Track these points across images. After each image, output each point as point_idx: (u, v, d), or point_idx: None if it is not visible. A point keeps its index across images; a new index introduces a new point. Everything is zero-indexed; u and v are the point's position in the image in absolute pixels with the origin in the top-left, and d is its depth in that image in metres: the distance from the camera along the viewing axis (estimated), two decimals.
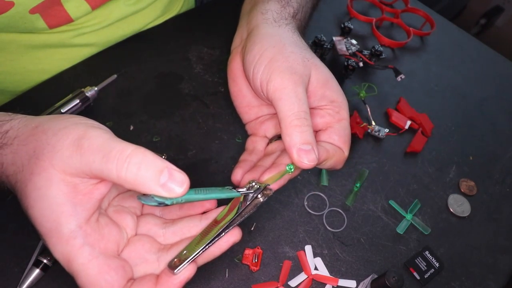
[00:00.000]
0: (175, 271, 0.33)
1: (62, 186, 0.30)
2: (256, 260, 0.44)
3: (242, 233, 0.37)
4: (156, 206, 0.31)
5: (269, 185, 0.39)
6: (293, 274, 0.44)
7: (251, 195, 0.38)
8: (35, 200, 0.31)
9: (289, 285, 0.44)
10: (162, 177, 0.29)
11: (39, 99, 0.53)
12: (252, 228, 0.47)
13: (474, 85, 0.69)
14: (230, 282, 0.43)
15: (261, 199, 0.39)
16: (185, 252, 0.35)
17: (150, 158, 0.29)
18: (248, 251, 0.45)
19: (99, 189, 0.32)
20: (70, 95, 0.50)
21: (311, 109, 0.40)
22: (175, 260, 0.34)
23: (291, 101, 0.38)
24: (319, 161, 0.38)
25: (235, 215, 0.37)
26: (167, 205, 0.31)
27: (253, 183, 0.39)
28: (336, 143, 0.42)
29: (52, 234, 0.31)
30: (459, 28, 0.79)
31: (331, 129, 0.42)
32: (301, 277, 0.44)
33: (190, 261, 0.34)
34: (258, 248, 0.45)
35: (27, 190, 0.31)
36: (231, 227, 0.36)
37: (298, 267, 0.45)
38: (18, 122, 0.34)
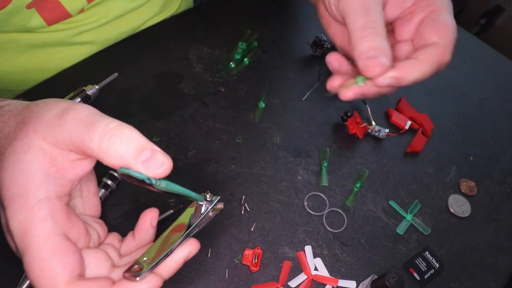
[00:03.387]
0: (138, 278, 0.30)
1: (39, 154, 0.30)
2: (256, 261, 0.44)
3: (200, 245, 0.35)
4: (140, 183, 0.29)
5: (219, 199, 0.38)
6: (293, 274, 0.44)
7: (203, 208, 0.37)
8: (9, 163, 0.30)
9: (289, 286, 0.44)
10: (144, 154, 0.28)
11: (39, 99, 0.53)
12: (252, 229, 0.47)
13: (475, 84, 0.69)
14: (230, 282, 0.43)
15: (211, 214, 0.38)
16: (145, 258, 0.32)
17: (134, 135, 0.29)
18: (248, 252, 0.45)
19: (75, 169, 0.31)
20: (72, 93, 0.50)
21: (398, 19, 0.38)
22: (135, 266, 0.31)
23: (357, 15, 0.37)
24: (401, 75, 0.36)
25: (190, 224, 0.36)
26: (151, 184, 0.29)
27: (208, 195, 0.38)
28: (430, 40, 0.38)
29: (16, 200, 0.29)
30: (459, 27, 0.79)
31: (420, 27, 0.39)
32: (301, 277, 0.44)
33: (152, 268, 0.31)
34: (258, 248, 0.45)
35: (6, 153, 0.30)
36: (188, 237, 0.35)
37: (298, 267, 0.45)
38: (16, 102, 0.34)
